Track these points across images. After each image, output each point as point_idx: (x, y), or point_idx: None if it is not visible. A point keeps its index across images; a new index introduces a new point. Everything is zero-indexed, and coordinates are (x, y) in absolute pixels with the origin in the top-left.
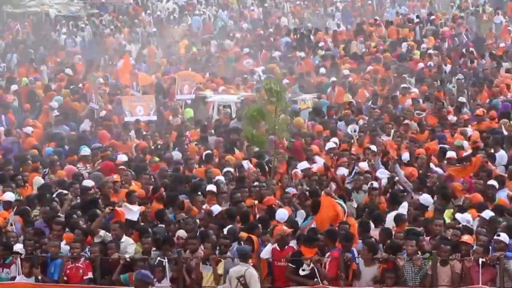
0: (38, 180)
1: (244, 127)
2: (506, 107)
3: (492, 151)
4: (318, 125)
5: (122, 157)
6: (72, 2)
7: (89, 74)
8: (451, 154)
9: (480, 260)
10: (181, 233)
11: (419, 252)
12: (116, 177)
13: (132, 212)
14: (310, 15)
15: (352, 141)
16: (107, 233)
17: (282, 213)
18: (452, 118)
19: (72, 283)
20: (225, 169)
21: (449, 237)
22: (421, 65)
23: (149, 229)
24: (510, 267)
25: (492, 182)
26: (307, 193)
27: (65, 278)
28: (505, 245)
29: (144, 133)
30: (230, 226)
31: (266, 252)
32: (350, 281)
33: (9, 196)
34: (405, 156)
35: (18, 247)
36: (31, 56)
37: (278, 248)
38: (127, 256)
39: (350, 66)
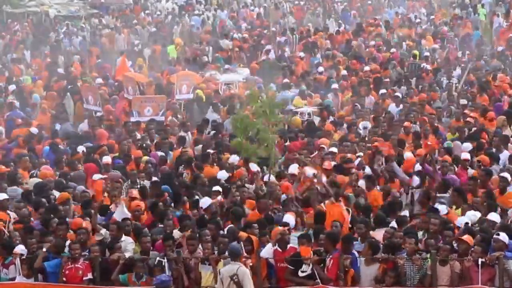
0: (33, 181)
1: (233, 140)
2: (498, 108)
3: (495, 151)
4: (328, 124)
5: (107, 159)
6: (72, 2)
7: (83, 75)
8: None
9: (480, 260)
10: (176, 233)
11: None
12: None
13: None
14: (309, 15)
15: (365, 138)
16: (108, 232)
17: (291, 218)
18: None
19: (71, 284)
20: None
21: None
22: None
23: (146, 229)
24: (509, 267)
25: (505, 174)
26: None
27: (64, 279)
28: (504, 245)
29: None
30: (229, 225)
31: (267, 253)
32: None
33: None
34: (408, 155)
35: (20, 248)
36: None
37: (279, 249)
38: (127, 255)
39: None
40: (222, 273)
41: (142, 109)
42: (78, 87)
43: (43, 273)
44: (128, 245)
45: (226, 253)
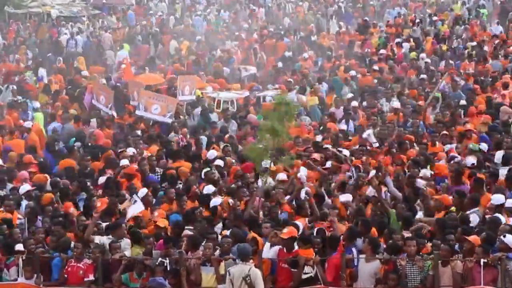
0: None
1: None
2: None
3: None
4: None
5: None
6: (74, 3)
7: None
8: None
9: (482, 260)
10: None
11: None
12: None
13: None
14: (311, 16)
15: (375, 147)
16: (102, 237)
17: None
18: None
19: (71, 283)
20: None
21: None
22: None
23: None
24: (511, 268)
25: None
26: None
27: (65, 276)
28: (508, 248)
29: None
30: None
31: (272, 253)
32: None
33: None
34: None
35: (19, 246)
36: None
37: (285, 251)
38: (127, 253)
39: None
40: (233, 274)
41: (149, 104)
42: (81, 86)
43: (47, 272)
44: (127, 246)
45: (230, 254)
